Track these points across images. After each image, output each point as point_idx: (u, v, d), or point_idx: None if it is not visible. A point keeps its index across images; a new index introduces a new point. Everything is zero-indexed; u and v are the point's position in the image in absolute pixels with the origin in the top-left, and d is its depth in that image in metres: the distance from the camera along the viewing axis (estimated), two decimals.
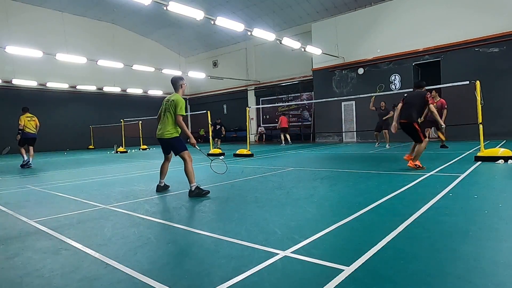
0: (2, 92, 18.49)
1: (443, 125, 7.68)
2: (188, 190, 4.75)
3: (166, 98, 5.04)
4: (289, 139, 17.55)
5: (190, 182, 4.71)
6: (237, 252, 2.43)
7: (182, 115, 4.81)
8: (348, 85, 17.95)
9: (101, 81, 22.19)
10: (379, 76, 16.69)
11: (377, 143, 13.43)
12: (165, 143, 4.98)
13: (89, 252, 2.56)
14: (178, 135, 4.92)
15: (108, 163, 11.18)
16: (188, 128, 5.13)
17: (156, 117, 5.15)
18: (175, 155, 5.00)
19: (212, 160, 6.12)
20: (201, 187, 4.73)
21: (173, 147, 4.95)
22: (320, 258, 2.24)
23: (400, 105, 6.49)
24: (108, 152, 17.28)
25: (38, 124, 10.55)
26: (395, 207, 3.58)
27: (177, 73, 21.13)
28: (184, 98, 5.07)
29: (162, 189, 5.18)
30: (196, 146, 5.08)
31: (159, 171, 5.23)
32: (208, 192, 4.71)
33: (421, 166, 6.23)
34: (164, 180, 5.25)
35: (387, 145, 12.70)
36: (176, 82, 5.02)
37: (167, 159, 5.24)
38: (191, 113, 18.42)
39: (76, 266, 2.32)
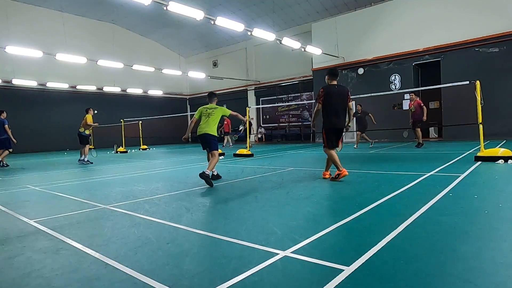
0: (2, 92, 18.48)
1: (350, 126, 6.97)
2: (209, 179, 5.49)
3: (206, 107, 6.10)
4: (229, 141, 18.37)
5: (208, 168, 5.59)
6: (237, 252, 2.43)
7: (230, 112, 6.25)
8: (348, 85, 17.92)
9: (101, 81, 22.19)
10: (379, 76, 16.70)
11: (371, 144, 13.54)
12: (205, 137, 5.89)
13: (89, 252, 2.56)
14: (217, 135, 6.01)
15: (108, 163, 11.18)
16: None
17: (193, 119, 6.13)
18: (209, 150, 5.89)
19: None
20: (210, 177, 5.54)
21: (211, 142, 5.87)
22: (320, 258, 2.24)
23: (319, 105, 5.47)
24: (108, 152, 17.28)
25: (85, 122, 11.06)
26: (395, 207, 3.57)
27: (177, 73, 21.17)
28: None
29: (215, 177, 6.05)
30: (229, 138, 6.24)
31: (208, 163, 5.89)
32: (212, 183, 5.49)
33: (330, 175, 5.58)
34: (213, 170, 5.91)
35: (356, 145, 13.23)
36: (212, 98, 6.26)
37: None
38: (191, 113, 18.43)
39: (76, 266, 2.32)
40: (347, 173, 5.35)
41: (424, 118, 11.13)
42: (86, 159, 10.96)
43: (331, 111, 5.38)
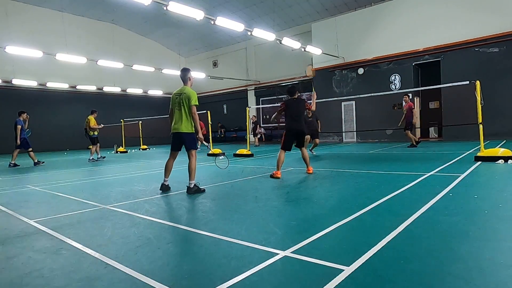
0: (2, 92, 18.48)
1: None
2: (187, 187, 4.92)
3: (175, 92, 5.05)
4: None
5: (190, 178, 4.87)
6: (237, 252, 2.43)
7: (196, 105, 4.90)
8: (348, 85, 17.95)
9: (101, 81, 22.18)
10: (379, 76, 16.70)
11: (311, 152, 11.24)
12: (180, 137, 4.98)
13: (89, 252, 2.57)
14: (193, 132, 4.99)
15: (108, 163, 11.18)
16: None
17: (168, 113, 5.23)
18: (186, 150, 5.04)
19: (218, 158, 6.66)
20: (198, 186, 4.93)
21: (186, 142, 4.97)
22: (320, 258, 2.24)
23: (279, 114, 6.56)
24: (108, 152, 17.28)
25: (89, 125, 11.82)
26: (395, 207, 3.57)
27: (177, 73, 21.06)
28: None
29: (166, 188, 5.10)
30: (204, 142, 5.19)
31: (164, 169, 5.22)
32: (204, 190, 4.95)
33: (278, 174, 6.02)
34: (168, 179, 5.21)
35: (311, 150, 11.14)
36: (185, 75, 5.11)
37: (173, 157, 5.22)
38: None
39: (76, 266, 2.32)
40: (279, 177, 5.97)
41: (414, 120, 11.44)
42: (99, 156, 12.01)
43: (291, 117, 6.34)
